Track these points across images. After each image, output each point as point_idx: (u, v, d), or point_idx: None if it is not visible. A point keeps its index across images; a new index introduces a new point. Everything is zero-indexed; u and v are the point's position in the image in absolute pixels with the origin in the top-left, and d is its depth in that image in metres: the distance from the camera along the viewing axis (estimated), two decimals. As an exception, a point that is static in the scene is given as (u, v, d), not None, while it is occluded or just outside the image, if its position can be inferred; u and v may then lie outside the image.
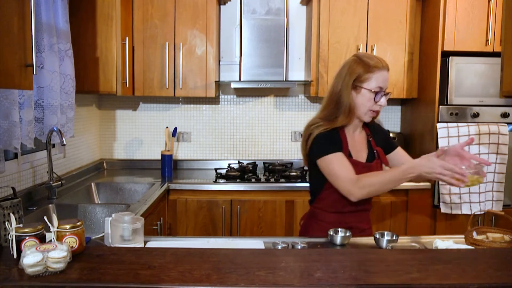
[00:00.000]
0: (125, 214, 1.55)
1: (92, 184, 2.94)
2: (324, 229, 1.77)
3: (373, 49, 3.24)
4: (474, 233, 1.70)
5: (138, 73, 3.16)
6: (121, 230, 1.51)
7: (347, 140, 1.83)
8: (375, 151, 1.90)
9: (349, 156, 1.80)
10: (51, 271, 1.19)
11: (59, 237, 1.33)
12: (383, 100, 1.78)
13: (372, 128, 1.97)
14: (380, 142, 1.95)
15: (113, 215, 1.56)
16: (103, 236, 1.59)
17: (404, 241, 1.72)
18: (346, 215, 1.86)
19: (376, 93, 1.76)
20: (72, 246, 1.32)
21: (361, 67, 1.77)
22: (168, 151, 3.30)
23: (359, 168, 1.78)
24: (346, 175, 1.71)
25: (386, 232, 1.68)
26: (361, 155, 1.86)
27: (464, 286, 1.17)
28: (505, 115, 3.07)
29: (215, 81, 3.24)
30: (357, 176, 1.72)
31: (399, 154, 1.99)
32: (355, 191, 1.70)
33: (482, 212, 2.97)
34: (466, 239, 1.65)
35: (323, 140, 1.77)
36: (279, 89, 3.65)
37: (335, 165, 1.73)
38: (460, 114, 3.07)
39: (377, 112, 1.84)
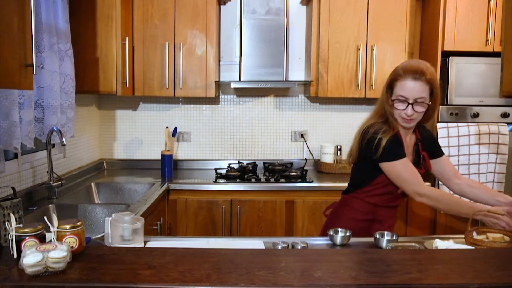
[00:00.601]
0: (125, 214, 1.55)
1: (92, 184, 2.94)
2: (357, 217, 1.92)
3: (373, 49, 3.24)
4: (474, 233, 1.70)
5: (138, 73, 3.16)
6: (121, 230, 1.51)
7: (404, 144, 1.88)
8: (421, 156, 1.94)
9: None
10: (51, 271, 1.19)
11: (59, 237, 1.33)
12: (408, 110, 1.78)
13: (422, 133, 1.99)
14: (427, 147, 1.98)
15: (113, 215, 1.56)
16: (103, 236, 1.59)
17: (404, 241, 1.72)
18: (379, 208, 1.94)
19: (393, 100, 1.80)
20: (72, 246, 1.32)
21: (393, 74, 1.85)
22: (168, 151, 3.30)
23: None
24: (414, 180, 1.81)
25: (386, 232, 1.68)
26: (408, 158, 1.90)
27: (464, 286, 1.17)
28: (505, 115, 3.07)
29: (215, 81, 3.24)
30: (431, 188, 1.85)
31: (444, 162, 2.02)
32: (423, 195, 1.80)
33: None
34: (466, 239, 1.65)
35: (391, 146, 1.81)
36: (279, 89, 3.65)
37: (403, 171, 1.81)
38: (460, 114, 3.07)
39: (409, 120, 1.82)
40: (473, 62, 3.04)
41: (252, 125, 3.67)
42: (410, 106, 1.78)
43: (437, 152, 2.00)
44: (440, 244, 1.57)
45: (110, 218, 1.54)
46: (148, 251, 1.42)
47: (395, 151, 1.81)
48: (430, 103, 1.81)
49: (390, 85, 1.84)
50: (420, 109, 1.80)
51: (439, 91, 1.86)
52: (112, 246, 1.51)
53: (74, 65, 2.60)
